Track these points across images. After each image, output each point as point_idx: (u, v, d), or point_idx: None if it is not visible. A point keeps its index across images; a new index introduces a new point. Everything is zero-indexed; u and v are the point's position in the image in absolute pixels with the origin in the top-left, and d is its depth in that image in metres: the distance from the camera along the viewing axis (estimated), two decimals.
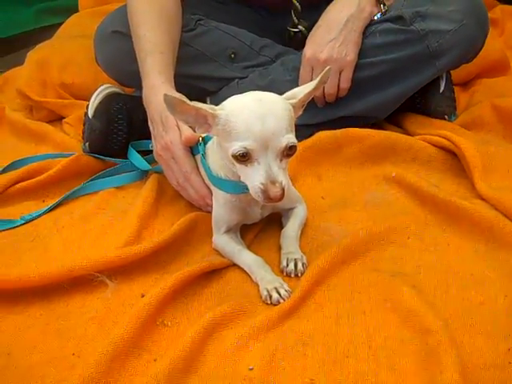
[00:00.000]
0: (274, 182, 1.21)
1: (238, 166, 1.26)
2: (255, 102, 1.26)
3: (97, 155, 1.84)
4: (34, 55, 2.36)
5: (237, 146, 1.22)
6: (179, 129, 1.54)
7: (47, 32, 2.74)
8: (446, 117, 1.90)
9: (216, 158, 1.42)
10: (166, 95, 1.24)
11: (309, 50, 1.78)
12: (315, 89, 1.32)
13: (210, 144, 1.48)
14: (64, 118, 2.21)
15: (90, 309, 1.33)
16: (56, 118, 2.26)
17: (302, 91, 1.31)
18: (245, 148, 1.21)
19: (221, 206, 1.46)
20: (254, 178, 1.23)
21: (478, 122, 1.88)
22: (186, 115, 1.29)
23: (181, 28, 1.84)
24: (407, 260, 1.40)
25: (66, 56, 2.33)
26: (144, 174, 1.80)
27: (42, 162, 1.87)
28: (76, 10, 2.93)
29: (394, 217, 1.54)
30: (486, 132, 1.84)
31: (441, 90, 1.88)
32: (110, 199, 1.73)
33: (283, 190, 1.22)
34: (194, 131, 1.34)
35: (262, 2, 2.09)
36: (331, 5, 1.82)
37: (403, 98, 1.85)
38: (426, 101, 1.90)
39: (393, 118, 1.95)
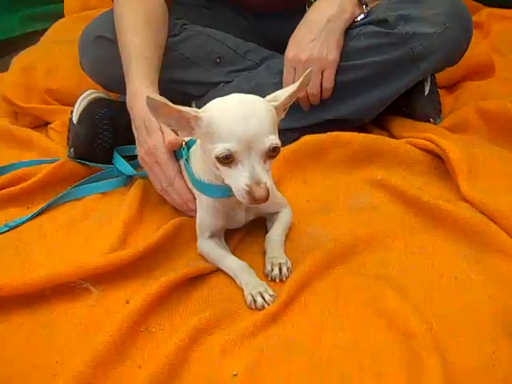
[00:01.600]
0: (258, 183, 1.21)
1: (221, 168, 1.26)
2: (237, 103, 1.27)
3: (82, 161, 1.83)
4: (19, 61, 2.35)
5: (220, 148, 1.21)
6: (163, 133, 1.54)
7: (33, 38, 2.73)
8: (431, 119, 1.90)
9: (199, 161, 1.42)
10: (148, 97, 1.23)
11: (290, 51, 1.78)
12: (297, 91, 1.32)
13: (193, 148, 1.48)
14: (49, 123, 2.21)
15: (74, 316, 1.32)
16: (41, 124, 2.25)
17: (283, 93, 1.32)
18: (228, 150, 1.21)
19: (204, 210, 1.46)
20: (238, 179, 1.23)
21: (463, 124, 1.88)
22: (169, 118, 1.29)
23: (167, 33, 1.84)
24: (392, 263, 1.40)
25: (51, 61, 2.31)
26: (129, 180, 1.79)
27: (26, 168, 1.85)
28: (62, 16, 2.92)
29: (378, 221, 1.53)
30: (471, 135, 1.83)
31: (425, 93, 1.88)
32: (95, 205, 1.73)
33: (268, 190, 1.21)
34: (178, 135, 1.34)
35: (248, 5, 2.09)
36: (313, 5, 1.82)
37: (388, 101, 1.85)
38: (411, 104, 1.90)
39: (378, 121, 1.95)
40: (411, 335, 1.17)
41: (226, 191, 1.35)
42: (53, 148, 2.00)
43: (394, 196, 1.62)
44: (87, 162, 1.83)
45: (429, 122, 1.89)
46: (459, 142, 1.71)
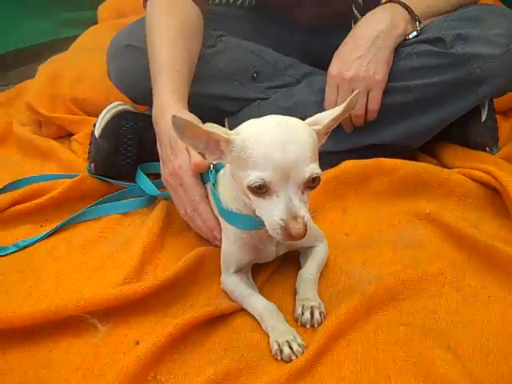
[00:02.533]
0: (295, 218, 1.06)
1: (253, 198, 1.11)
2: (275, 126, 1.11)
3: (102, 177, 1.70)
4: (46, 68, 2.25)
5: (253, 177, 1.06)
6: (189, 153, 1.39)
7: (65, 44, 2.61)
8: (487, 149, 1.71)
9: (227, 188, 1.27)
10: (174, 116, 1.08)
11: (334, 68, 1.63)
12: (342, 114, 1.16)
13: (221, 172, 1.32)
14: (73, 134, 2.08)
15: (76, 356, 1.18)
16: (65, 135, 2.14)
17: (327, 116, 1.16)
18: (263, 179, 1.06)
19: (231, 242, 1.30)
20: (272, 212, 1.08)
21: None
22: (196, 140, 1.14)
23: (200, 45, 1.70)
24: (441, 314, 1.22)
25: (79, 70, 2.20)
26: (152, 200, 1.65)
27: (43, 182, 1.72)
28: (95, 23, 2.82)
29: (426, 261, 1.36)
30: None
31: (482, 120, 1.70)
32: (113, 227, 1.59)
33: (305, 226, 1.07)
34: (205, 158, 1.19)
35: (300, 16, 1.93)
36: (361, 21, 1.66)
37: (439, 128, 1.68)
38: (466, 131, 1.72)
39: (427, 148, 1.78)
40: None
41: (255, 223, 1.19)
42: (74, 161, 1.87)
43: (444, 233, 1.45)
44: (108, 179, 1.70)
45: (485, 151, 1.71)
46: None
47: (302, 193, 1.09)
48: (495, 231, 1.45)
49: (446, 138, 1.75)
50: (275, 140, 1.07)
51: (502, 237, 1.41)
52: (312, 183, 1.09)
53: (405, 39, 1.64)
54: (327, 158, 1.64)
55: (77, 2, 3.19)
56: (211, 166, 1.36)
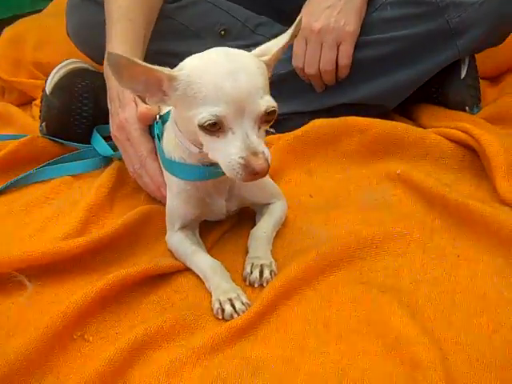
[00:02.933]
0: (255, 153, 0.96)
1: (205, 139, 1.00)
2: (222, 57, 1.01)
3: (55, 138, 1.59)
4: (9, 31, 2.14)
5: (205, 113, 0.96)
6: (137, 105, 1.28)
7: None
8: (466, 108, 1.59)
9: (171, 137, 1.16)
10: (109, 53, 0.97)
11: (302, 19, 1.51)
12: (289, 41, 1.07)
13: (168, 123, 1.21)
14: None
15: (1, 315, 1.07)
16: (29, 101, 2.02)
17: (273, 46, 1.07)
18: (215, 115, 0.95)
19: (174, 196, 1.19)
20: (229, 151, 0.97)
21: (506, 115, 1.57)
22: (135, 81, 1.01)
23: None
24: (404, 273, 1.11)
25: (43, 33, 2.09)
26: (107, 162, 1.53)
27: None
28: None
29: (393, 221, 1.24)
30: None
31: (462, 76, 1.58)
32: (62, 189, 1.47)
33: (268, 161, 0.96)
34: (145, 102, 1.07)
35: None
36: None
37: (416, 84, 1.56)
38: (444, 88, 1.60)
39: (403, 109, 1.66)
40: (417, 365, 0.88)
41: (200, 173, 1.11)
42: (31, 125, 1.76)
43: (415, 193, 1.33)
44: (61, 140, 1.58)
45: (464, 110, 1.59)
46: (499, 133, 1.41)
47: (259, 128, 0.99)
48: (472, 191, 1.33)
49: (424, 99, 1.63)
50: (223, 70, 0.97)
51: (478, 197, 1.29)
52: (268, 117, 0.99)
53: None
54: (297, 119, 1.56)
55: None
56: (157, 116, 1.25)
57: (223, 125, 0.96)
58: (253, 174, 0.96)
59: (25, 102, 2.02)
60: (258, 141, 0.97)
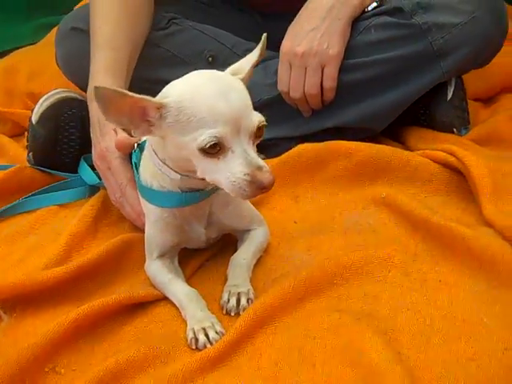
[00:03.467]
0: (259, 168, 0.97)
1: (204, 162, 0.99)
2: (206, 78, 1.03)
3: (42, 168, 1.59)
4: (3, 62, 2.16)
5: (205, 136, 0.95)
6: (117, 134, 1.28)
7: None
8: (454, 130, 1.57)
9: (148, 165, 1.15)
10: (96, 87, 0.96)
11: (286, 43, 1.52)
12: (258, 58, 1.12)
13: (145, 151, 1.20)
14: None
15: None
16: (22, 132, 2.01)
17: (245, 64, 1.10)
18: (216, 136, 0.95)
19: (152, 223, 1.18)
20: (231, 170, 0.97)
21: (495, 137, 1.56)
22: (121, 114, 1.00)
23: (148, 25, 1.60)
24: (383, 299, 1.09)
25: (36, 64, 2.11)
26: (93, 191, 1.52)
27: None
28: None
29: (376, 245, 1.22)
30: (503, 149, 1.51)
31: (448, 98, 1.56)
32: (48, 218, 1.47)
33: (272, 174, 0.97)
34: (131, 135, 1.06)
35: (254, 2, 1.83)
36: None
37: (402, 106, 1.55)
38: (431, 110, 1.59)
39: (391, 132, 1.64)
40: None
41: (179, 199, 1.11)
42: (22, 155, 1.74)
43: (399, 217, 1.31)
44: (48, 170, 1.58)
45: (452, 132, 1.57)
46: (486, 155, 1.40)
47: (253, 143, 1.00)
48: (458, 215, 1.31)
49: (412, 121, 1.62)
50: (214, 91, 0.98)
51: (464, 221, 1.27)
52: (258, 132, 1.00)
53: (364, 12, 1.53)
54: (284, 144, 1.55)
55: (57, 6, 3.10)
56: (135, 145, 1.24)
57: (223, 145, 0.97)
58: (260, 188, 0.97)
59: (18, 133, 2.01)
60: (256, 156, 0.98)
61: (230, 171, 0.97)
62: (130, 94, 0.98)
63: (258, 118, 0.99)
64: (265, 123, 1.00)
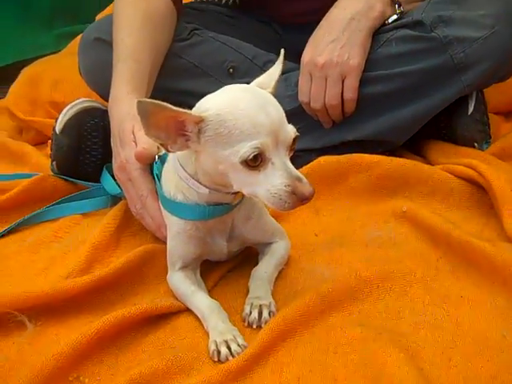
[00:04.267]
0: (299, 179, 0.99)
1: (243, 175, 1.00)
2: (244, 93, 1.04)
3: (65, 177, 1.61)
4: (27, 71, 2.19)
5: (247, 148, 0.97)
6: (136, 145, 1.29)
7: None
8: (475, 144, 1.57)
9: (170, 176, 1.16)
10: (139, 101, 0.96)
11: (307, 55, 1.53)
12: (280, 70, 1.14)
13: (167, 164, 1.21)
14: None
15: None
16: (45, 140, 2.04)
17: (269, 79, 1.12)
18: (258, 147, 0.97)
19: (174, 236, 1.19)
20: (272, 183, 0.99)
21: None
22: (159, 128, 1.00)
23: (170, 36, 1.63)
24: (405, 314, 1.09)
25: (59, 73, 2.14)
26: (116, 200, 1.54)
27: (4, 182, 1.64)
28: None
29: (397, 260, 1.23)
30: None
31: (469, 112, 1.56)
32: (71, 227, 1.48)
33: (312, 186, 0.99)
34: (168, 150, 1.07)
35: (279, 14, 1.85)
36: (336, 3, 1.55)
37: (423, 120, 1.55)
38: (452, 124, 1.59)
39: (412, 145, 1.65)
40: None
41: (204, 212, 1.12)
42: (45, 163, 1.77)
43: (420, 231, 1.32)
44: (71, 178, 1.60)
45: (473, 146, 1.57)
46: (508, 169, 1.39)
47: (288, 156, 1.02)
48: (479, 230, 1.32)
49: (433, 135, 1.62)
50: (253, 104, 1.00)
51: (485, 236, 1.28)
52: (293, 145, 1.03)
53: (384, 24, 1.54)
54: (306, 156, 1.55)
55: (79, 15, 3.14)
56: (156, 157, 1.25)
57: (264, 156, 0.98)
58: (301, 200, 0.98)
59: (41, 141, 2.05)
60: (294, 168, 1.00)
61: (271, 183, 0.99)
62: (170, 107, 0.98)
63: (292, 130, 1.01)
64: (297, 134, 1.02)
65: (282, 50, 1.15)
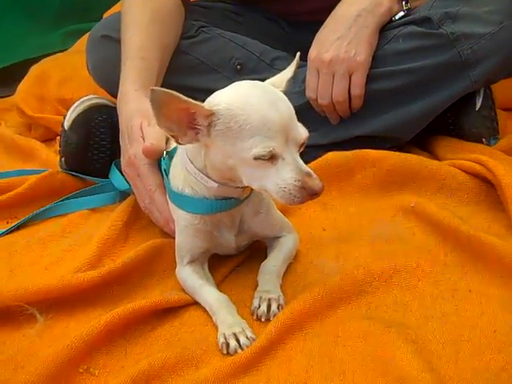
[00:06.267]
0: (309, 175, 1.00)
1: (254, 170, 1.01)
2: (254, 88, 1.05)
3: (73, 173, 1.62)
4: (35, 69, 2.20)
5: (260, 143, 0.98)
6: (144, 140, 1.30)
7: None
8: (483, 140, 1.57)
9: (178, 171, 1.17)
10: (153, 89, 0.97)
11: (313, 51, 1.53)
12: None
13: (175, 159, 1.22)
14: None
15: (10, 347, 1.09)
16: (53, 137, 2.05)
17: (282, 79, 1.13)
18: (271, 145, 0.98)
19: (182, 230, 1.20)
20: (282, 177, 1.00)
21: None
22: (171, 120, 1.01)
23: (178, 34, 1.64)
24: (413, 308, 1.10)
25: (67, 70, 2.16)
26: (124, 196, 1.54)
27: (13, 178, 1.65)
28: None
29: (405, 254, 1.23)
30: None
31: (477, 108, 1.56)
32: (79, 222, 1.50)
33: (322, 181, 1.01)
34: (178, 142, 1.07)
35: (287, 10, 1.85)
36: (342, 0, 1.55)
37: (430, 116, 1.55)
38: (459, 120, 1.59)
39: (419, 141, 1.64)
40: None
41: (212, 205, 1.12)
42: (53, 159, 1.78)
43: (428, 226, 1.32)
44: (79, 174, 1.61)
45: (481, 142, 1.57)
46: None
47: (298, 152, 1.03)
48: (486, 225, 1.32)
49: (440, 130, 1.62)
50: (264, 100, 1.01)
51: (493, 231, 1.28)
52: (303, 144, 1.04)
53: (391, 20, 1.54)
54: (313, 151, 1.55)
55: (87, 13, 3.15)
56: (164, 152, 1.26)
57: (276, 153, 0.99)
58: (311, 194, 1.00)
59: (50, 138, 2.06)
60: (304, 164, 1.01)
61: (281, 178, 1.00)
62: (183, 97, 0.99)
63: (304, 131, 1.03)
64: (308, 135, 1.04)
65: (298, 53, 1.17)
